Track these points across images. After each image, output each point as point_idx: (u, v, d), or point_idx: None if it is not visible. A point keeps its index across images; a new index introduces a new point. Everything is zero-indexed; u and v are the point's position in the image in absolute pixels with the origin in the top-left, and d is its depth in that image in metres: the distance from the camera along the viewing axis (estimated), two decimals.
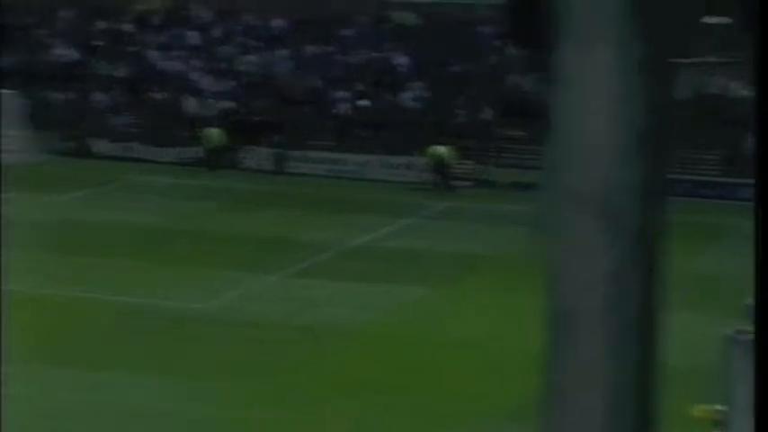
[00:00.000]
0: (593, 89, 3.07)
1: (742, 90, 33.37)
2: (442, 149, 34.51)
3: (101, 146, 37.76)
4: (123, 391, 16.40)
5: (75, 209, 29.56)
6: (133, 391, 16.39)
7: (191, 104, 39.14)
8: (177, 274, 23.00)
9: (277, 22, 41.96)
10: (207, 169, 35.87)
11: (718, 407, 9.22)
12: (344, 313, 20.91)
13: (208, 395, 16.37)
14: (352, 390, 16.73)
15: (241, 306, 21.24)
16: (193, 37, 41.91)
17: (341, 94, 38.95)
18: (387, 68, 39.90)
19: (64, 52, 41.66)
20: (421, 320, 20.61)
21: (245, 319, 20.32)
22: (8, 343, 17.99)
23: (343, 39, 41.09)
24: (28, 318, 19.48)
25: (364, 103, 37.69)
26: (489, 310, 21.37)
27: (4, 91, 36.37)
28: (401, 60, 39.98)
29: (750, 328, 6.97)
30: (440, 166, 34.52)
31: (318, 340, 19.21)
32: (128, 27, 42.49)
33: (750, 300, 3.84)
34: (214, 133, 36.75)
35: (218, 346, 18.79)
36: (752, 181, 3.69)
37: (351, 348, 18.95)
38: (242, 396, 16.39)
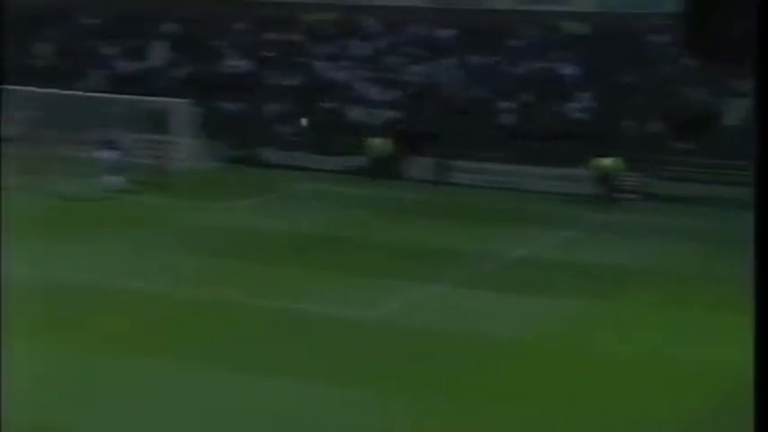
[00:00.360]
0: None
1: None
2: (608, 161, 33.87)
3: (269, 154, 38.59)
4: (292, 396, 16.49)
5: (242, 216, 30.17)
6: (302, 397, 16.48)
7: (356, 114, 39.59)
8: (340, 282, 23.16)
9: (444, 33, 42.10)
10: (370, 178, 36.26)
11: None
12: (506, 325, 20.67)
13: (372, 404, 16.32)
14: (514, 403, 16.52)
15: (402, 315, 21.13)
16: (361, 47, 42.45)
17: (507, 104, 38.76)
18: (554, 79, 39.48)
19: (236, 63, 42.80)
20: (580, 334, 20.18)
21: (407, 328, 20.26)
22: (188, 348, 18.65)
23: (510, 49, 40.88)
24: (200, 322, 20.05)
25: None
26: (650, 325, 20.78)
27: (177, 100, 37.65)
28: (569, 70, 39.49)
29: None
30: (605, 178, 33.89)
31: (479, 351, 19.05)
32: (298, 38, 43.37)
33: None
34: (378, 143, 37.13)
35: (380, 355, 18.74)
36: None
37: (513, 360, 18.69)
38: (406, 406, 16.29)
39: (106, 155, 33.78)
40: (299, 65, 42.09)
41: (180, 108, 37.46)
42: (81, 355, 17.76)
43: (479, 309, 21.93)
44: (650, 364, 18.34)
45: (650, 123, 36.75)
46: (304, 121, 33.55)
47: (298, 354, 18.50)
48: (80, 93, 38.87)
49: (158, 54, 44.04)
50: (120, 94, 38.39)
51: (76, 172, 33.39)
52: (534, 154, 36.18)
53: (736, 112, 35.85)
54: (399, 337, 19.71)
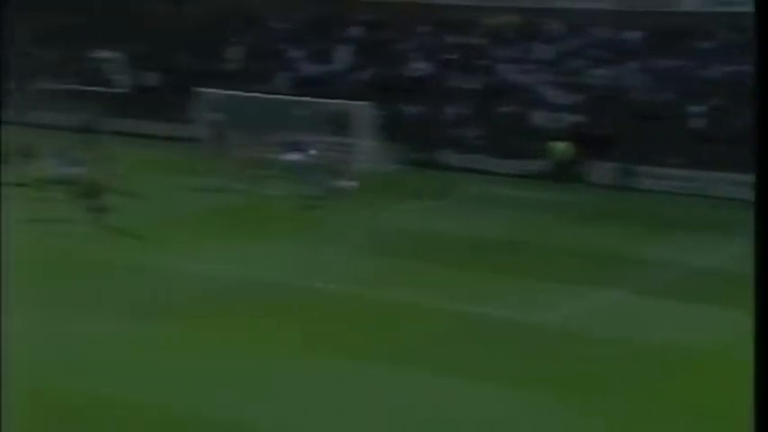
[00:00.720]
0: None
1: None
2: None
3: (448, 157, 38.84)
4: (464, 397, 16.67)
5: (422, 218, 30.45)
6: (473, 398, 16.67)
7: (538, 117, 39.39)
8: (520, 286, 23.20)
9: (630, 35, 41.43)
10: (551, 182, 36.00)
11: None
12: (688, 336, 20.24)
13: (555, 408, 16.37)
14: (691, 416, 16.23)
15: (582, 321, 21.04)
16: (544, 50, 42.21)
17: (695, 108, 37.83)
18: (747, 82, 38.26)
19: (419, 66, 43.25)
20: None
21: (587, 333, 20.13)
22: (377, 348, 19.01)
23: (700, 51, 39.87)
24: (386, 324, 20.42)
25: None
26: None
27: (359, 103, 38.30)
28: None
29: None
30: None
31: (658, 359, 18.77)
32: (480, 41, 43.54)
33: None
34: (560, 146, 36.86)
35: (562, 359, 18.74)
36: None
37: (692, 370, 18.36)
38: (587, 412, 16.30)
39: (294, 157, 34.69)
40: (480, 68, 42.25)
41: (362, 111, 38.08)
42: (277, 354, 18.38)
43: (659, 317, 21.60)
44: None
45: None
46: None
47: (481, 356, 18.67)
48: (266, 95, 40.00)
49: (342, 57, 44.95)
50: (305, 96, 39.39)
51: (267, 174, 34.27)
52: (724, 159, 35.17)
53: None
54: (579, 342, 19.62)
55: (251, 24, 48.18)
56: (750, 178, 32.70)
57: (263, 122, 37.49)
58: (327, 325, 20.31)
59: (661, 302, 22.56)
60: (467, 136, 39.62)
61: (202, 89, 40.25)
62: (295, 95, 39.87)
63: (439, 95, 41.31)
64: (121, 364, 17.65)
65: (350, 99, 38.81)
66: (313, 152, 35.24)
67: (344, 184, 32.14)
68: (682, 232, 29.58)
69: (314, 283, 22.93)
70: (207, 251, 25.52)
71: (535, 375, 17.73)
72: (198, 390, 16.63)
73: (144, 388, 16.61)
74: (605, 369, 18.27)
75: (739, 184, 34.33)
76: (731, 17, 39.35)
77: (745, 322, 21.89)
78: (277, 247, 26.38)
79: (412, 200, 33.16)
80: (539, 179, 36.17)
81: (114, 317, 20.13)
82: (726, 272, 25.17)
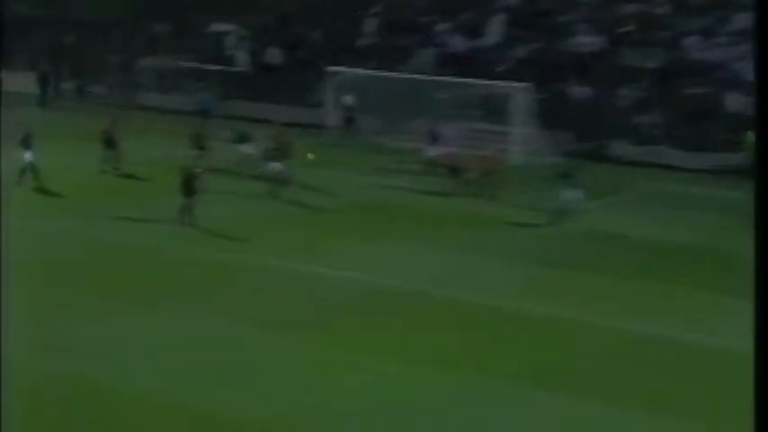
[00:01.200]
0: None
1: None
2: None
3: (621, 148, 38.36)
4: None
5: (589, 220, 29.66)
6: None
7: (733, 101, 37.99)
8: (704, 302, 22.55)
9: None
10: (750, 180, 34.13)
11: None
12: None
13: None
14: None
15: None
16: (742, 19, 40.55)
17: None
18: None
19: (586, 40, 42.49)
20: None
21: None
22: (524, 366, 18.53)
23: None
24: (538, 341, 20.14)
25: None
26: None
27: (515, 84, 37.60)
28: None
29: None
30: None
31: None
32: (662, 10, 42.72)
33: None
34: None
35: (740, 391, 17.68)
36: None
37: None
38: None
39: (438, 150, 33.95)
40: (662, 42, 41.28)
41: (517, 93, 37.54)
42: (405, 374, 18.21)
43: None
44: None
45: None
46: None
47: (634, 381, 18.20)
48: (406, 75, 39.84)
49: (495, 30, 44.31)
50: (451, 76, 39.09)
51: (411, 168, 34.34)
52: None
53: None
54: None
55: None
56: None
57: (402, 107, 37.73)
58: (479, 340, 20.05)
59: None
60: (645, 124, 38.79)
61: (332, 68, 40.50)
62: (439, 75, 39.85)
63: (611, 75, 40.52)
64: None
65: (504, 79, 38.52)
66: (457, 143, 34.41)
67: (487, 177, 31.26)
68: None
69: (457, 293, 22.67)
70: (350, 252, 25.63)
71: (729, 416, 16.72)
72: (354, 412, 16.70)
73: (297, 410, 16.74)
74: None
75: None
76: None
77: None
78: (414, 247, 26.29)
79: None
80: (734, 176, 34.61)
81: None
82: None
